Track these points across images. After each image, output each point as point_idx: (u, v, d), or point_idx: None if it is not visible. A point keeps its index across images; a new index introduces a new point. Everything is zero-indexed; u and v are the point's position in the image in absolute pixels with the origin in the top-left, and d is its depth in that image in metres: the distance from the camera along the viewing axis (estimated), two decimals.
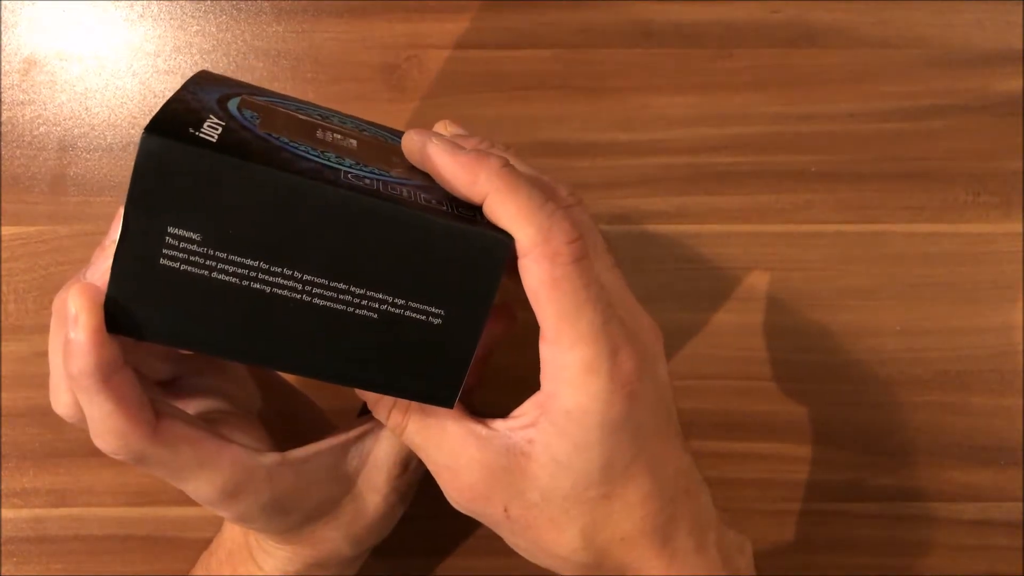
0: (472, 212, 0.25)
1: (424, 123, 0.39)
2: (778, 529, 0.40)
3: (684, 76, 0.39)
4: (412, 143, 0.26)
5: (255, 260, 0.23)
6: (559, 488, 0.27)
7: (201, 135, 0.23)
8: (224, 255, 0.23)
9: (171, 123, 0.23)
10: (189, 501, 0.40)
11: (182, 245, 0.23)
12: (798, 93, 0.39)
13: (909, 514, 0.41)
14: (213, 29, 0.39)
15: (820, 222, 0.40)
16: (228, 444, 0.27)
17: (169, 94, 0.39)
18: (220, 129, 0.24)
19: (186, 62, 0.39)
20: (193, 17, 0.39)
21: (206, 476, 0.27)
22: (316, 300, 0.24)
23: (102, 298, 0.23)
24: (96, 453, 0.39)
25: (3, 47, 0.39)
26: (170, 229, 0.23)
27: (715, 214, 0.39)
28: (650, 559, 0.28)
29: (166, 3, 0.38)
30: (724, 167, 0.39)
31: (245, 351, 0.24)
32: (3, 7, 0.38)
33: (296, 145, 0.25)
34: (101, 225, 0.33)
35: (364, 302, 0.24)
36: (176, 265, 0.23)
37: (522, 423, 0.27)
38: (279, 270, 0.23)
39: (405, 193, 0.25)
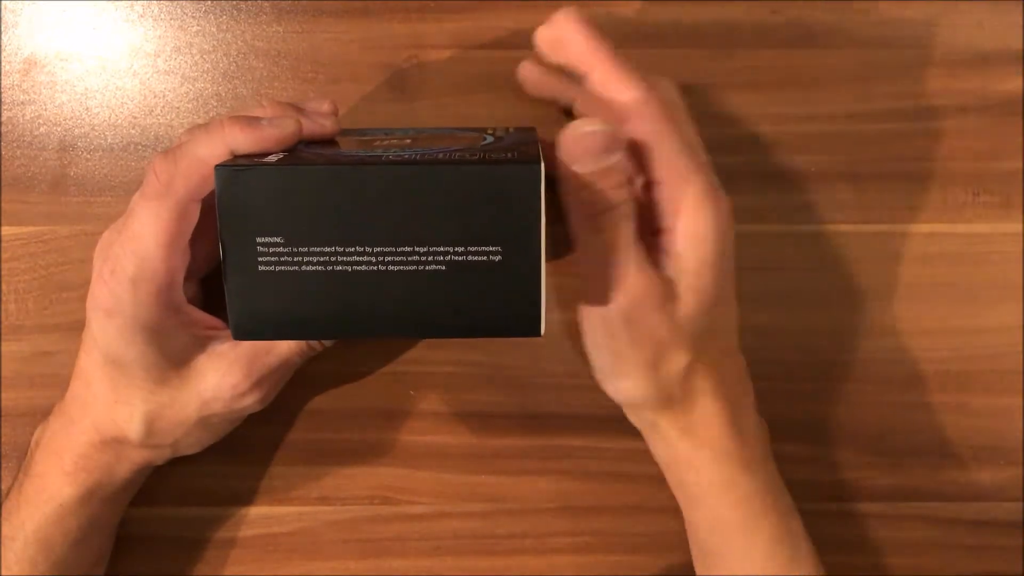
0: (504, 154, 0.28)
1: (424, 123, 0.39)
2: None
3: (684, 76, 0.39)
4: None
5: (331, 246, 0.27)
6: (693, 318, 0.32)
7: (262, 162, 0.28)
8: (306, 248, 0.27)
9: (239, 159, 0.29)
10: (189, 501, 0.40)
11: (271, 250, 0.27)
12: (798, 93, 0.39)
13: (909, 514, 0.41)
14: (213, 29, 0.39)
15: (820, 222, 0.40)
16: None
17: (169, 94, 0.39)
18: (281, 156, 0.29)
19: (186, 62, 0.39)
20: (193, 17, 0.39)
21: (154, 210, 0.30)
22: (391, 267, 0.27)
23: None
24: None
25: (3, 47, 0.39)
26: (258, 240, 0.27)
27: None
28: (728, 374, 0.34)
29: (166, 3, 0.38)
30: (724, 167, 0.39)
31: (347, 327, 0.28)
32: (3, 7, 0.38)
33: (347, 152, 0.30)
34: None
35: (430, 257, 0.27)
36: (272, 268, 0.27)
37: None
38: (352, 249, 0.27)
39: (441, 156, 0.28)
